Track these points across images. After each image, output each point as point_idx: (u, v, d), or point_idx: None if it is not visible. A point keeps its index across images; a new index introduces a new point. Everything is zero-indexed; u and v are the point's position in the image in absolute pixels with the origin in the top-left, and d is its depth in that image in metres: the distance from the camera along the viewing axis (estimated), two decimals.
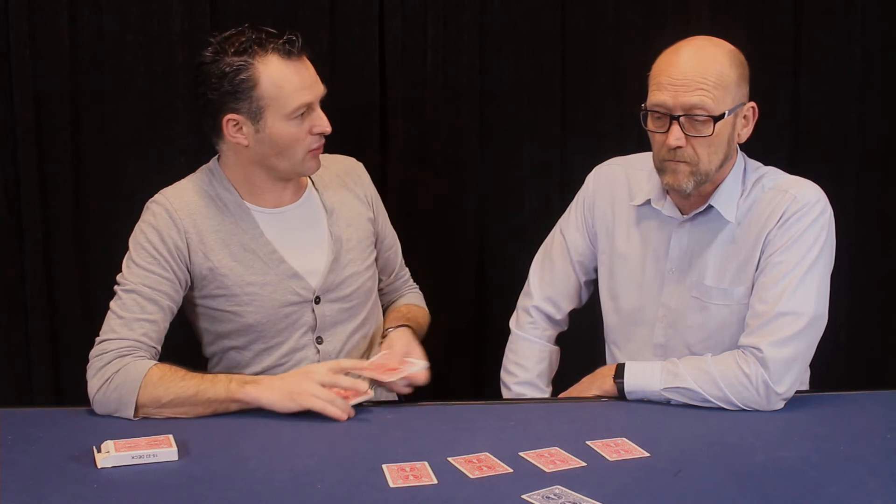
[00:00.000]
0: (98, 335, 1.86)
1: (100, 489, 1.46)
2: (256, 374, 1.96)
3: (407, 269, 2.30)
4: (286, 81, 1.83)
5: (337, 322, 2.01)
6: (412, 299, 2.26)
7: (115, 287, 1.89)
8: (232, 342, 1.98)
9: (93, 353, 1.83)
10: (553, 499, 1.42)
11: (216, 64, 1.83)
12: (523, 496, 1.43)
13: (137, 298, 1.86)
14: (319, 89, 1.89)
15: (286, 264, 1.95)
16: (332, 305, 2.00)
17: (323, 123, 1.89)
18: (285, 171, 1.93)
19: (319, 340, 1.99)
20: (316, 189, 2.04)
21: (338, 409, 1.73)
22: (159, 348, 1.88)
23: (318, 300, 1.98)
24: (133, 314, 1.84)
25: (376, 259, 2.14)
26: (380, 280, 2.19)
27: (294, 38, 1.84)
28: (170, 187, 1.97)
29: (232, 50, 1.83)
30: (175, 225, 1.90)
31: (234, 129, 1.87)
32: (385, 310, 2.23)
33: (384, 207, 2.19)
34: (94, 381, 1.79)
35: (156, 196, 1.95)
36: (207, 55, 1.85)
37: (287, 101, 1.84)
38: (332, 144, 2.02)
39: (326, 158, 2.08)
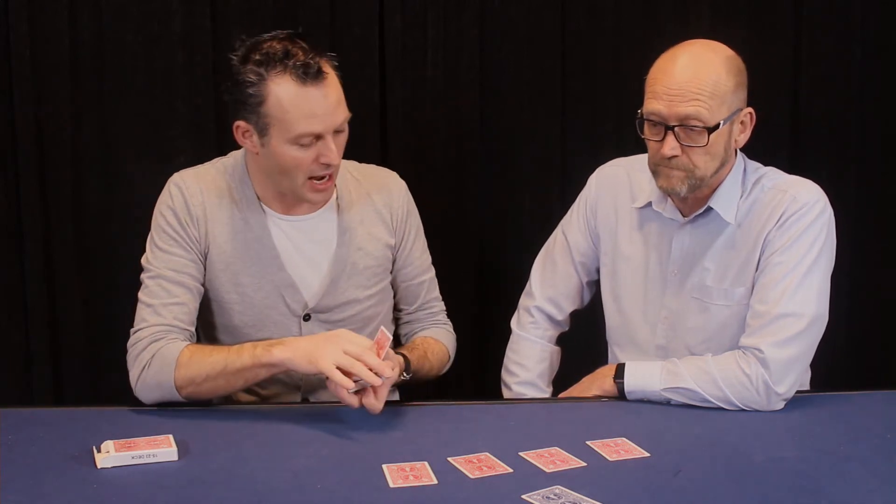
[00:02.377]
0: (132, 326, 1.86)
1: (100, 489, 1.46)
2: None
3: (441, 304, 2.15)
4: (293, 107, 1.75)
5: None
6: (435, 333, 2.10)
7: (142, 275, 1.89)
8: (218, 334, 1.98)
9: (128, 343, 1.84)
10: (553, 499, 1.42)
11: (236, 68, 1.79)
12: (523, 496, 1.43)
13: (163, 283, 1.86)
14: (333, 120, 1.78)
15: (285, 273, 1.92)
16: (322, 326, 1.95)
17: (329, 155, 1.79)
18: (288, 190, 1.88)
19: None
20: (339, 204, 1.97)
21: (347, 380, 1.65)
22: (193, 329, 1.88)
23: (307, 317, 1.95)
24: (160, 300, 1.85)
25: (397, 287, 2.07)
26: (401, 308, 2.11)
27: (310, 62, 1.74)
28: (191, 170, 1.95)
29: (256, 57, 1.77)
30: (189, 211, 1.89)
31: (244, 135, 1.84)
32: (407, 340, 2.11)
33: (422, 237, 2.09)
34: (134, 370, 1.81)
35: (175, 176, 1.94)
36: (234, 57, 1.80)
37: (291, 126, 1.76)
38: None
39: (364, 171, 2.03)
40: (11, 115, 2.55)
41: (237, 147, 1.99)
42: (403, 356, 1.89)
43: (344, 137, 1.85)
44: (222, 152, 2.02)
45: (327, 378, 1.69)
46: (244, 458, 1.58)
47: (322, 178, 1.84)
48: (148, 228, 1.94)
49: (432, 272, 2.13)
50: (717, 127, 1.80)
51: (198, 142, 2.62)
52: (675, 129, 1.80)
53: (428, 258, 2.12)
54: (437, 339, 2.08)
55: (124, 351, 1.86)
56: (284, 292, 1.93)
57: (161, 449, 1.57)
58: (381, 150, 2.69)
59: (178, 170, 1.97)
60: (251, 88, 1.77)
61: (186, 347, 1.80)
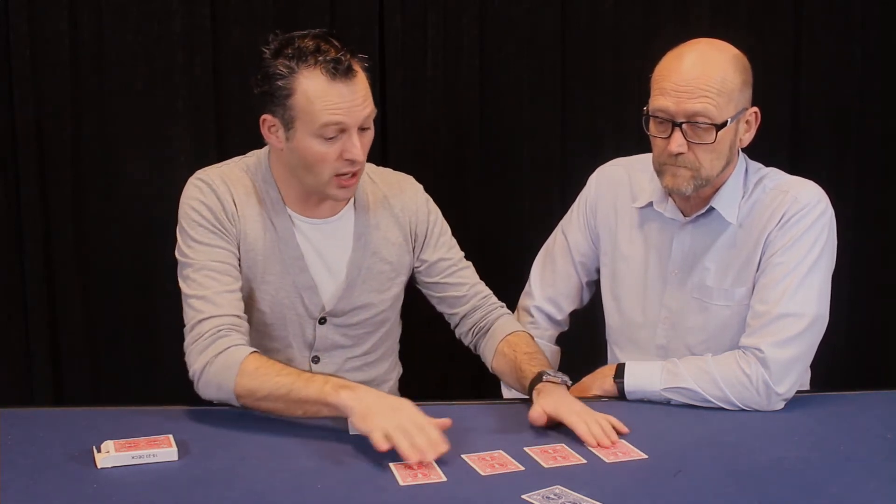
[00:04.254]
0: (184, 325, 1.81)
1: (100, 489, 1.46)
2: None
3: (488, 289, 2.07)
4: (319, 98, 1.75)
5: (337, 345, 1.97)
6: (507, 324, 2.01)
7: (183, 272, 1.84)
8: None
9: (187, 341, 1.78)
10: (553, 499, 1.42)
11: (267, 62, 1.79)
12: (523, 496, 1.43)
13: (211, 274, 1.82)
14: (359, 113, 1.78)
15: (307, 274, 1.91)
16: (336, 329, 1.96)
17: (353, 151, 1.79)
18: (312, 187, 1.86)
19: (315, 360, 1.96)
20: (355, 207, 1.96)
21: (384, 444, 1.55)
22: (247, 321, 1.83)
23: (322, 320, 1.95)
24: (213, 289, 1.80)
25: (437, 284, 2.03)
26: (452, 305, 2.04)
27: (341, 59, 1.75)
28: (213, 168, 1.93)
29: (287, 52, 1.78)
30: (223, 206, 1.87)
31: (269, 129, 1.84)
32: (477, 334, 2.05)
33: (448, 234, 2.05)
34: (196, 363, 1.75)
35: (198, 173, 1.91)
36: (266, 51, 1.80)
37: (316, 117, 1.76)
38: None
39: (382, 174, 2.03)
40: (11, 115, 2.55)
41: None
42: (544, 372, 1.82)
43: (370, 136, 1.84)
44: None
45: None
46: (244, 458, 1.58)
47: (346, 174, 1.83)
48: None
49: (469, 264, 2.08)
50: (724, 124, 1.80)
51: (198, 142, 2.62)
52: (683, 126, 1.80)
53: (459, 252, 2.08)
54: (517, 333, 1.99)
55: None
56: (304, 294, 1.92)
57: (161, 449, 1.57)
58: (381, 150, 2.70)
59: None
60: (280, 81, 1.77)
61: (252, 355, 1.73)
